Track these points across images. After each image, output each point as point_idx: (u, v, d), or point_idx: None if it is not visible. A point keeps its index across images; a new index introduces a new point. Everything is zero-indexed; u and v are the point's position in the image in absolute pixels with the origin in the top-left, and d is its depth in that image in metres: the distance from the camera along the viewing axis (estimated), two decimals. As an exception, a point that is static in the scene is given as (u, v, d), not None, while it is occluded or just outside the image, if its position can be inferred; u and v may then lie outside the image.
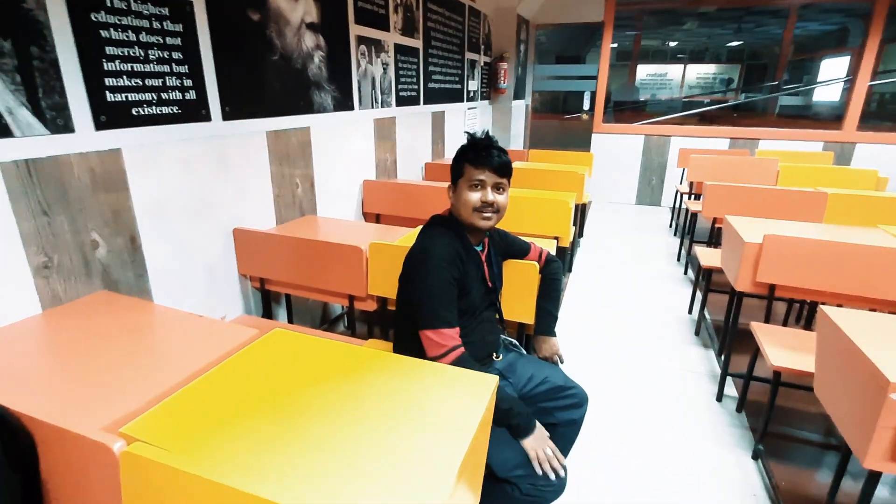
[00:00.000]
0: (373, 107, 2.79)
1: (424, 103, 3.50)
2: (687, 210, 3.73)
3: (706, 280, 2.60)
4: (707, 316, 2.72)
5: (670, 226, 4.75)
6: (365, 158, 2.78)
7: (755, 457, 1.71)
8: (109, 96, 1.34)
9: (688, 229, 3.70)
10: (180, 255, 1.62)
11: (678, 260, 3.77)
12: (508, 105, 5.25)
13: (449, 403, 0.86)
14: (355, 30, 2.52)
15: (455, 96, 4.12)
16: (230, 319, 1.81)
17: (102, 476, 0.75)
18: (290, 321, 2.16)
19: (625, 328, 2.68)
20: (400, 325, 1.29)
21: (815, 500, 1.55)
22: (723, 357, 2.09)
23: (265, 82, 1.93)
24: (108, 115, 1.35)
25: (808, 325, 2.59)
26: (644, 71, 11.23)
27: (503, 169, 1.19)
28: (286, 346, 1.04)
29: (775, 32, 9.73)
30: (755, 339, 1.72)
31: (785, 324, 2.68)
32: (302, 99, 2.17)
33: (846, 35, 9.15)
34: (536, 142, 6.58)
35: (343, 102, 2.49)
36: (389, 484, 0.68)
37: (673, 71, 11.48)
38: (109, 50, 1.33)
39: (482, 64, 4.73)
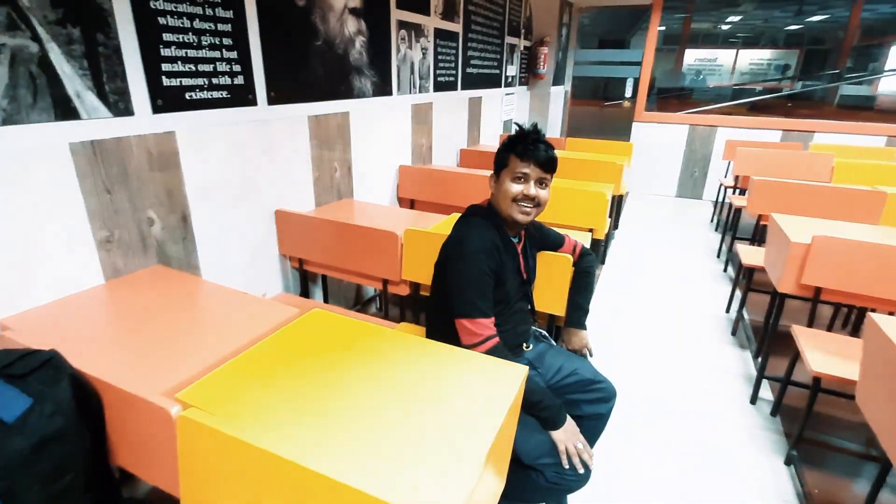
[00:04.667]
0: (411, 92, 2.80)
1: (462, 89, 3.48)
2: (730, 205, 3.59)
3: (747, 279, 2.51)
4: (745, 316, 2.63)
5: (712, 221, 4.58)
6: (401, 144, 2.81)
7: (788, 462, 1.67)
8: (165, 81, 1.41)
9: (730, 225, 3.56)
10: (226, 234, 1.71)
11: (718, 256, 3.65)
12: (547, 91, 5.14)
13: (479, 390, 0.89)
14: (396, 14, 2.52)
15: (493, 81, 4.07)
16: (270, 297, 1.90)
17: (160, 436, 0.82)
18: (326, 301, 2.24)
19: (658, 324, 2.63)
20: (434, 311, 1.32)
21: (849, 510, 1.51)
22: (759, 359, 2.03)
23: (308, 67, 1.98)
24: (164, 99, 1.42)
25: (856, 332, 2.47)
26: (692, 56, 10.69)
27: (549, 164, 1.18)
28: (325, 325, 1.09)
29: (841, 15, 9.03)
30: (795, 343, 1.66)
31: (830, 329, 2.57)
32: (342, 84, 2.21)
33: (921, 19, 8.40)
34: (574, 129, 6.43)
35: (382, 87, 2.51)
36: (421, 463, 0.71)
37: (723, 56, 10.87)
38: (166, 36, 1.40)
39: (522, 48, 4.64)
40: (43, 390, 0.80)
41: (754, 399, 2.00)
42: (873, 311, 1.25)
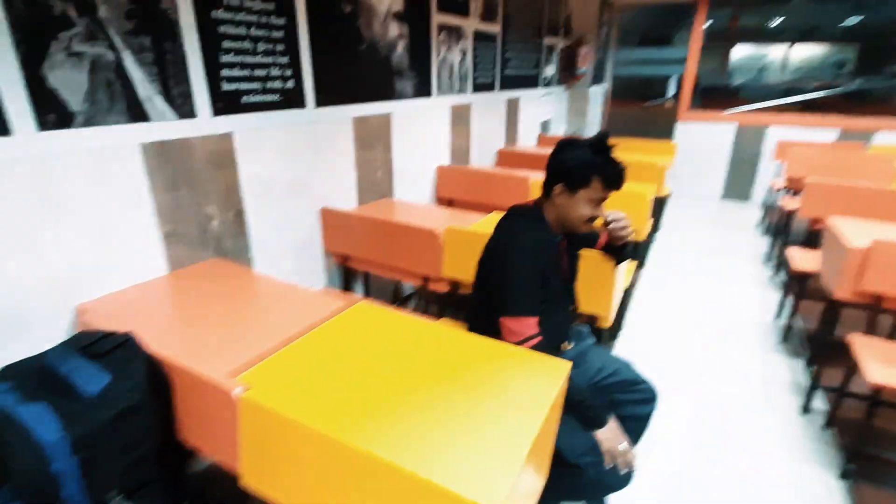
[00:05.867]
0: (450, 93, 2.84)
1: (500, 90, 3.49)
2: (781, 208, 3.43)
3: (798, 285, 2.40)
4: (797, 324, 2.51)
5: (760, 224, 4.39)
6: (440, 144, 2.85)
7: (844, 476, 1.59)
8: (224, 85, 1.50)
9: (781, 229, 3.40)
10: (277, 230, 1.79)
11: (766, 262, 3.49)
12: (586, 91, 5.07)
13: (523, 385, 0.90)
14: (437, 17, 2.57)
15: (530, 82, 4.06)
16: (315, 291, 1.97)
17: (223, 415, 0.88)
18: (367, 296, 2.31)
19: (702, 330, 2.55)
20: (477, 308, 1.34)
21: (911, 530, 1.42)
22: (812, 368, 1.94)
23: (353, 71, 2.04)
24: (223, 102, 1.51)
25: (920, 343, 2.31)
26: (739, 52, 10.23)
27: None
28: (371, 317, 1.14)
29: (905, 7, 8.41)
30: (851, 353, 1.58)
31: (892, 339, 2.41)
32: (385, 86, 2.27)
33: None
34: (614, 129, 6.30)
35: (422, 89, 2.56)
36: (467, 453, 0.74)
37: (773, 52, 10.35)
38: (226, 44, 1.49)
39: (560, 48, 4.60)
40: (121, 368, 0.88)
41: (806, 410, 1.91)
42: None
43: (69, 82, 1.14)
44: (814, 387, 1.92)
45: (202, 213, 1.49)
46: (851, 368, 1.63)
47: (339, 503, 0.78)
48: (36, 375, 0.82)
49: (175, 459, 0.96)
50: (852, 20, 9.72)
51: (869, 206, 2.38)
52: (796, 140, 4.11)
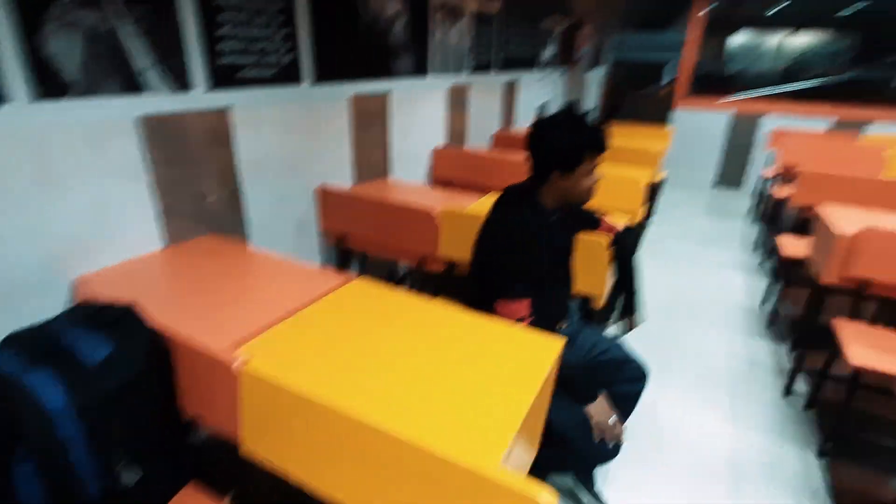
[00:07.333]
0: (447, 74, 2.81)
1: (498, 71, 3.46)
2: (772, 196, 3.47)
3: (786, 271, 2.45)
4: (783, 309, 2.57)
5: (751, 211, 4.44)
6: (437, 125, 2.83)
7: (822, 454, 1.66)
8: (220, 59, 1.48)
9: (771, 216, 3.45)
10: (273, 208, 1.78)
11: (755, 249, 3.55)
12: (583, 74, 5.03)
13: (517, 360, 0.93)
14: (437, -5, 2.52)
15: (528, 64, 4.02)
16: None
17: (224, 386, 0.90)
18: (362, 276, 2.32)
19: (690, 313, 2.60)
20: (472, 289, 1.36)
21: (882, 504, 1.49)
22: (795, 353, 2.00)
23: (351, 47, 2.01)
24: (219, 77, 1.49)
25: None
26: (737, 40, 10.20)
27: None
28: (368, 293, 1.15)
29: (904, -4, 8.39)
30: (835, 336, 1.63)
31: (874, 324, 2.48)
32: (383, 64, 2.24)
33: None
34: (611, 114, 6.27)
35: (420, 68, 2.53)
36: (460, 423, 0.76)
37: (771, 40, 10.33)
38: (222, 16, 1.46)
39: (559, 30, 4.55)
40: (123, 339, 0.89)
41: (788, 392, 1.98)
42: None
43: (64, 52, 1.12)
44: (796, 370, 1.99)
45: (198, 188, 1.48)
46: (833, 352, 1.69)
47: (336, 468, 0.80)
48: (39, 344, 0.83)
49: (178, 428, 0.98)
50: (852, 8, 9.71)
51: (859, 195, 2.42)
52: (790, 129, 4.13)
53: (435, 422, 0.77)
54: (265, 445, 0.88)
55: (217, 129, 1.51)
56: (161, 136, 1.35)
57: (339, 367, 0.89)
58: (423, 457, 0.70)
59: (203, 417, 0.98)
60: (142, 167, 1.32)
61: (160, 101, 1.33)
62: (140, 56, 1.28)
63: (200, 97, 1.44)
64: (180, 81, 1.38)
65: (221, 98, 1.50)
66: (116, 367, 0.86)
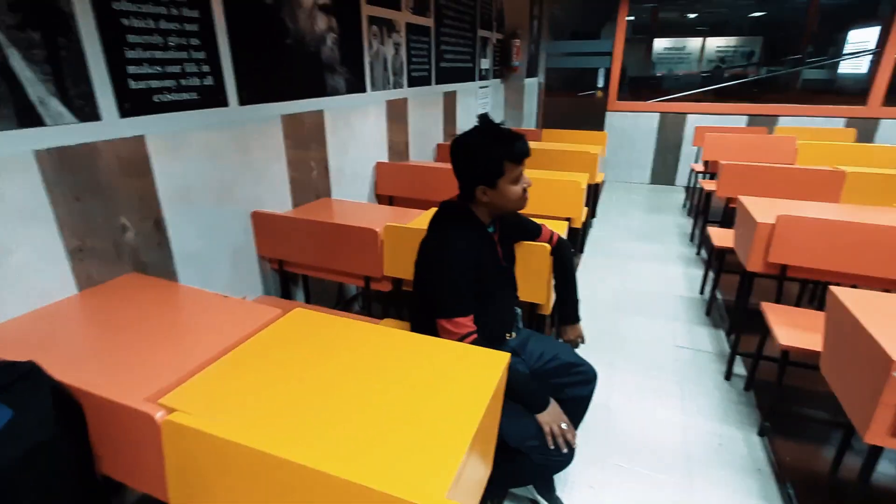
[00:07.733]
0: (385, 88, 2.79)
1: (436, 83, 3.49)
2: (701, 190, 3.69)
3: (718, 260, 2.60)
4: (718, 296, 2.73)
5: (684, 206, 4.71)
6: (377, 140, 2.80)
7: (762, 433, 1.75)
8: (132, 84, 1.38)
9: (701, 209, 3.66)
10: (203, 238, 1.68)
11: (691, 240, 3.75)
12: (521, 83, 5.18)
13: (462, 378, 0.91)
14: (367, 10, 2.51)
15: (467, 75, 4.08)
16: (251, 299, 1.88)
17: (145, 441, 0.82)
18: (308, 301, 2.23)
19: (635, 308, 2.70)
20: (416, 308, 1.33)
21: (818, 474, 1.59)
22: (732, 337, 2.11)
23: (279, 66, 1.95)
24: (132, 103, 1.39)
25: (821, 307, 2.58)
26: (661, 45, 10.89)
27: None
28: (307, 324, 1.10)
29: (801, 1, 9.31)
30: (764, 320, 1.74)
31: (797, 305, 2.68)
32: (315, 82, 2.19)
33: (877, 4, 8.72)
34: (549, 121, 6.50)
35: (355, 84, 2.50)
36: (406, 451, 0.73)
37: (691, 45, 11.11)
38: (130, 38, 1.37)
39: (494, 41, 4.66)
40: (23, 402, 0.79)
41: (729, 375, 2.09)
42: (838, 284, 1.32)
43: (-62, 84, 1.00)
44: (734, 353, 2.10)
45: (114, 224, 1.37)
46: (764, 334, 1.80)
47: (278, 520, 0.75)
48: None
49: (98, 493, 0.88)
50: (757, 13, 10.64)
51: (775, 184, 2.62)
52: (712, 126, 4.43)
53: (378, 455, 0.73)
54: (197, 502, 0.81)
55: (133, 158, 1.41)
56: (67, 169, 1.24)
57: (275, 407, 0.83)
58: (365, 495, 0.66)
59: (128, 480, 0.89)
60: (47, 205, 1.20)
61: (66, 133, 1.22)
62: (36, 85, 1.17)
63: (111, 126, 1.34)
64: (86, 110, 1.27)
65: (137, 125, 1.40)
66: (19, 435, 0.76)
